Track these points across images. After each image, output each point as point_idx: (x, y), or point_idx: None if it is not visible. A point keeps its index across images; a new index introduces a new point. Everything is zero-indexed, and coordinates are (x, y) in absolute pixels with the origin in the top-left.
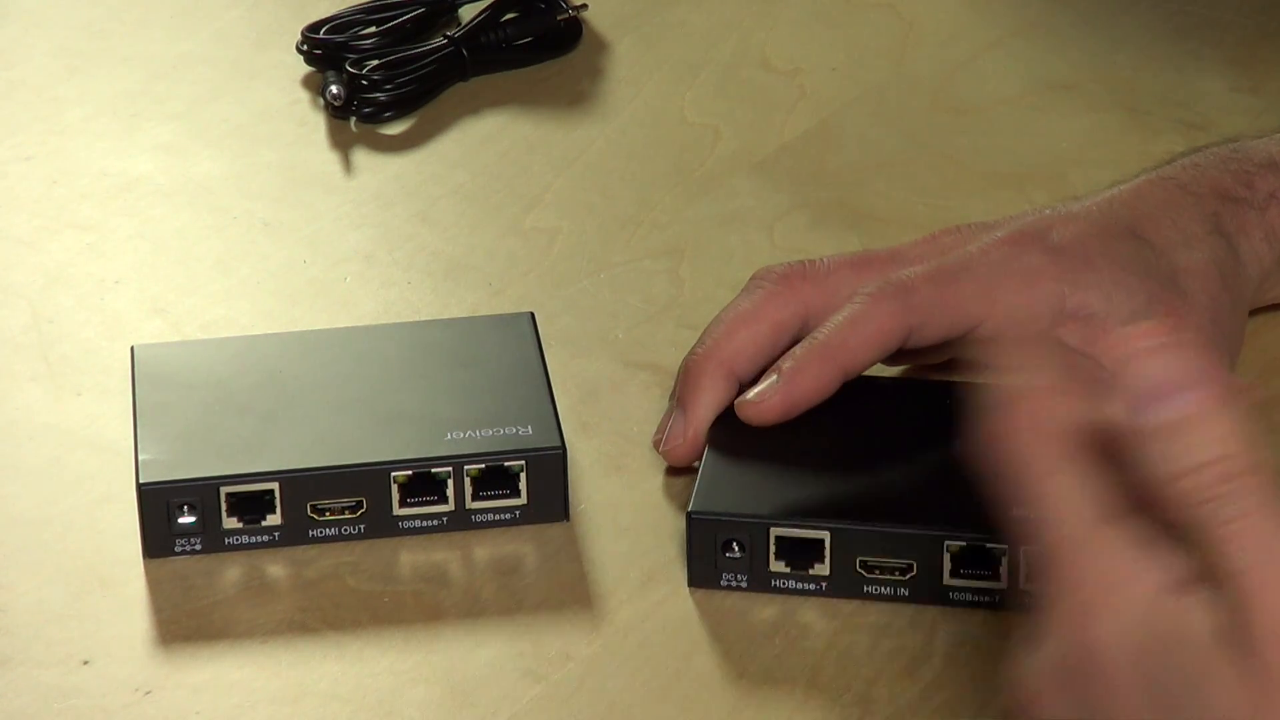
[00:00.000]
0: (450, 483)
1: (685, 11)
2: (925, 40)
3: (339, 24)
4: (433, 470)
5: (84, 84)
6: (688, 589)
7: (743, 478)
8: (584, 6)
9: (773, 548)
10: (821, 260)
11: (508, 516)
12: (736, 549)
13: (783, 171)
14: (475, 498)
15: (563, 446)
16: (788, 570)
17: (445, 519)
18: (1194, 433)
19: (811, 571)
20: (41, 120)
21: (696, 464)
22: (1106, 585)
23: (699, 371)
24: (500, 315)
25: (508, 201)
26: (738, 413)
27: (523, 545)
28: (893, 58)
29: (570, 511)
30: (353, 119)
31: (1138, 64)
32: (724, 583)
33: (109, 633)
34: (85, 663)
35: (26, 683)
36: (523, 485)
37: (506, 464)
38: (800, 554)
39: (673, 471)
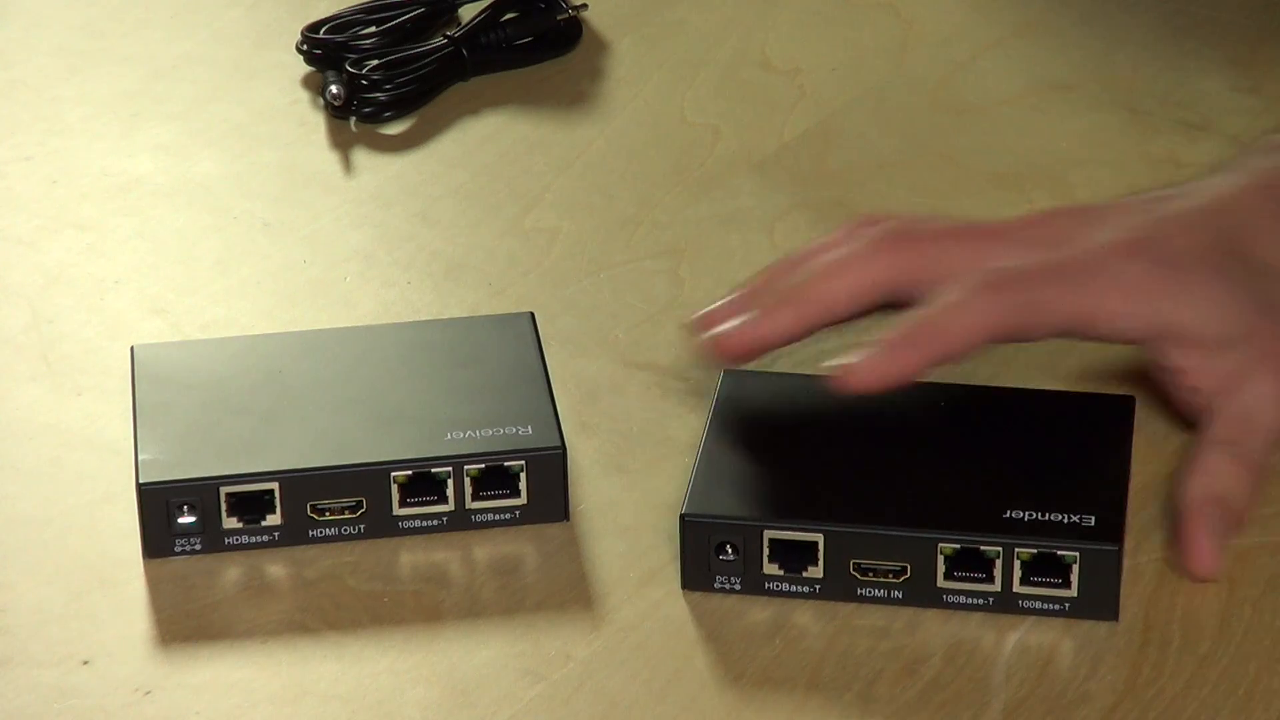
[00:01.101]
0: (450, 483)
1: (685, 11)
2: (925, 40)
3: (339, 24)
4: (433, 470)
5: (84, 84)
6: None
7: (735, 480)
8: (584, 6)
9: (766, 550)
10: (927, 225)
11: (508, 516)
12: (730, 551)
13: (783, 171)
14: (475, 498)
15: (563, 446)
16: (781, 573)
17: (445, 519)
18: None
19: (805, 574)
20: (41, 120)
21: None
22: None
23: (794, 301)
24: (500, 315)
25: (508, 201)
26: (836, 378)
27: (523, 545)
28: (893, 58)
29: (570, 511)
30: (353, 119)
31: (1138, 64)
32: (718, 585)
33: (109, 633)
34: (85, 663)
35: (26, 683)
36: (523, 485)
37: (506, 464)
38: (794, 556)
39: (672, 465)
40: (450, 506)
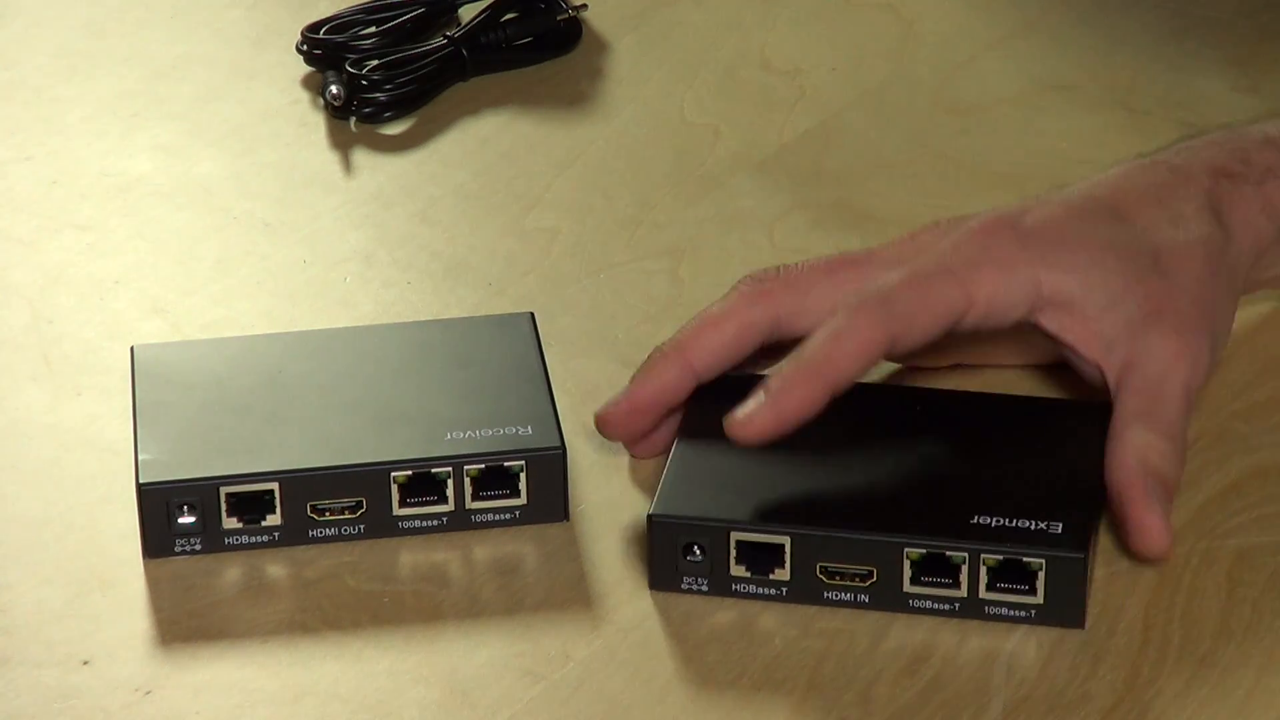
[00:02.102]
0: (450, 483)
1: (685, 11)
2: (925, 40)
3: (339, 24)
4: (433, 470)
5: (84, 84)
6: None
7: (706, 481)
8: (584, 6)
9: (733, 552)
10: (797, 265)
11: (508, 516)
12: (697, 552)
13: (783, 171)
14: (475, 498)
15: (563, 446)
16: (748, 575)
17: (445, 519)
18: None
19: (772, 577)
20: (41, 120)
21: (647, 453)
22: None
23: (656, 357)
24: (500, 315)
25: (508, 201)
26: (727, 432)
27: (523, 545)
28: (893, 58)
29: (570, 511)
30: (353, 119)
31: (1138, 64)
32: (684, 586)
33: (109, 633)
34: (85, 663)
35: (26, 683)
36: (523, 485)
37: (506, 464)
38: (761, 559)
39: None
40: (450, 506)
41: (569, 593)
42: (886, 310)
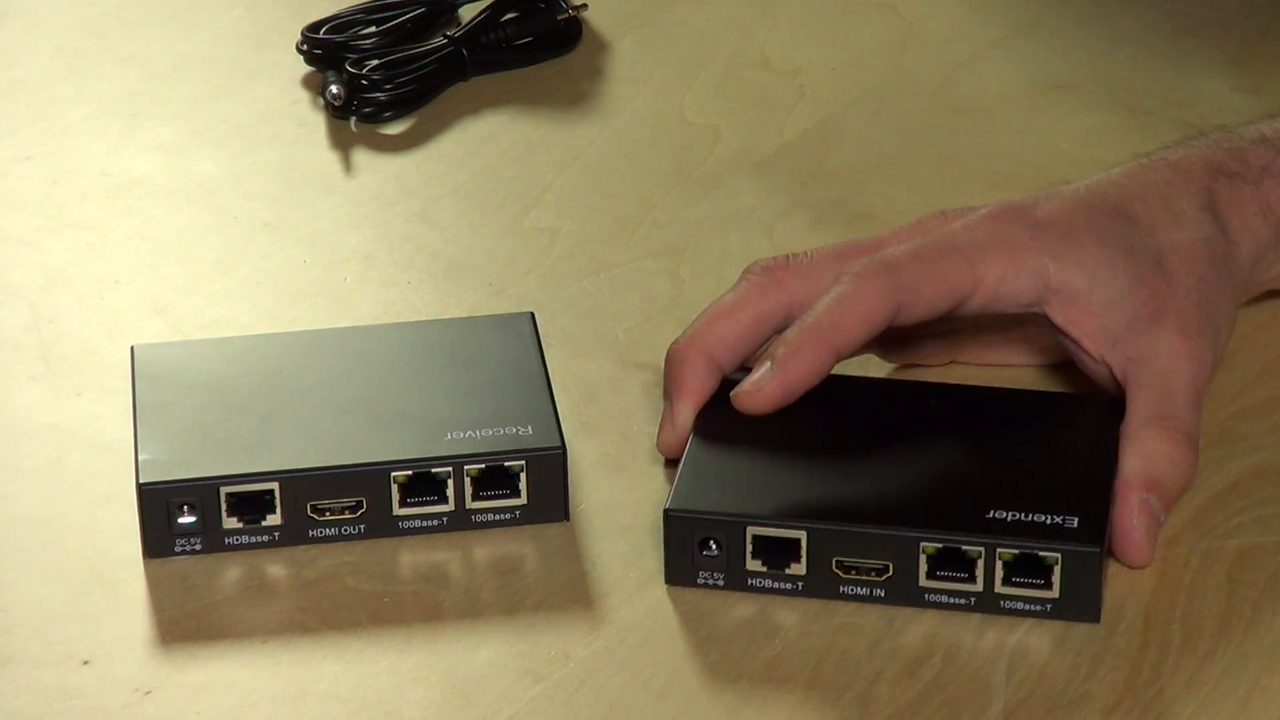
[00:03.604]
0: (450, 483)
1: (685, 11)
2: (925, 40)
3: (339, 24)
4: (433, 470)
5: (84, 84)
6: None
7: (722, 476)
8: (584, 6)
9: (749, 547)
10: (806, 252)
11: (508, 516)
12: (713, 547)
13: (783, 171)
14: (475, 498)
15: (563, 446)
16: (764, 569)
17: (445, 519)
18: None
19: (788, 571)
20: (41, 120)
21: None
22: None
23: (680, 360)
24: (500, 315)
25: (508, 201)
26: (735, 404)
27: (523, 545)
28: (893, 58)
29: (570, 511)
30: (353, 119)
31: (1138, 64)
32: (700, 580)
33: (109, 633)
34: (85, 663)
35: (26, 683)
36: (523, 485)
37: (506, 464)
38: (777, 553)
39: (671, 466)
40: (450, 506)
41: (569, 593)
42: (893, 278)
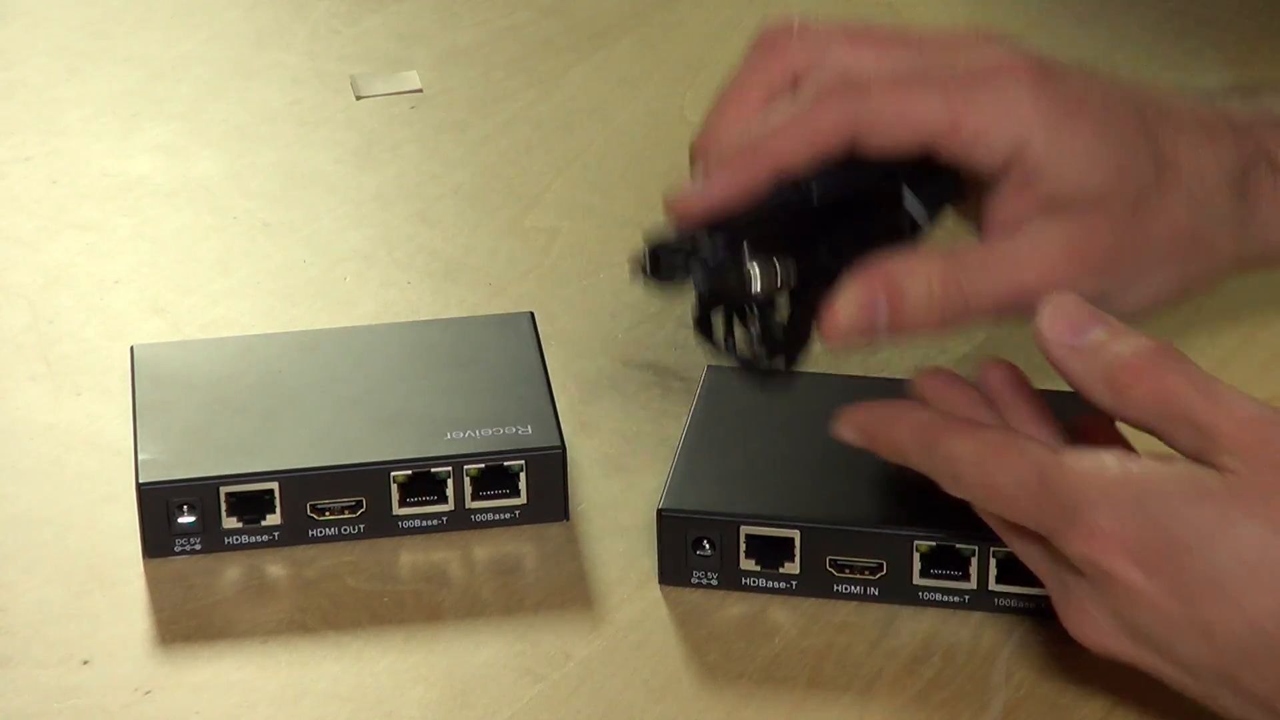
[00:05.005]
0: (450, 482)
1: (685, 11)
2: None
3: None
4: (432, 470)
5: (84, 84)
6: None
7: (714, 476)
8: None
9: (743, 546)
10: (820, 23)
11: (507, 516)
12: (707, 547)
13: None
14: (475, 497)
15: (562, 446)
16: (758, 569)
17: (445, 519)
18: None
19: (781, 570)
20: (41, 120)
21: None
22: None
23: (703, 151)
24: (500, 315)
25: (508, 201)
26: (665, 209)
27: (523, 545)
28: None
29: (570, 511)
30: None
31: (1138, 64)
32: (694, 580)
33: (109, 633)
34: (85, 663)
35: (26, 683)
36: (522, 485)
37: (506, 464)
38: (770, 553)
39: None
40: (450, 506)
41: (569, 593)
42: (856, 104)
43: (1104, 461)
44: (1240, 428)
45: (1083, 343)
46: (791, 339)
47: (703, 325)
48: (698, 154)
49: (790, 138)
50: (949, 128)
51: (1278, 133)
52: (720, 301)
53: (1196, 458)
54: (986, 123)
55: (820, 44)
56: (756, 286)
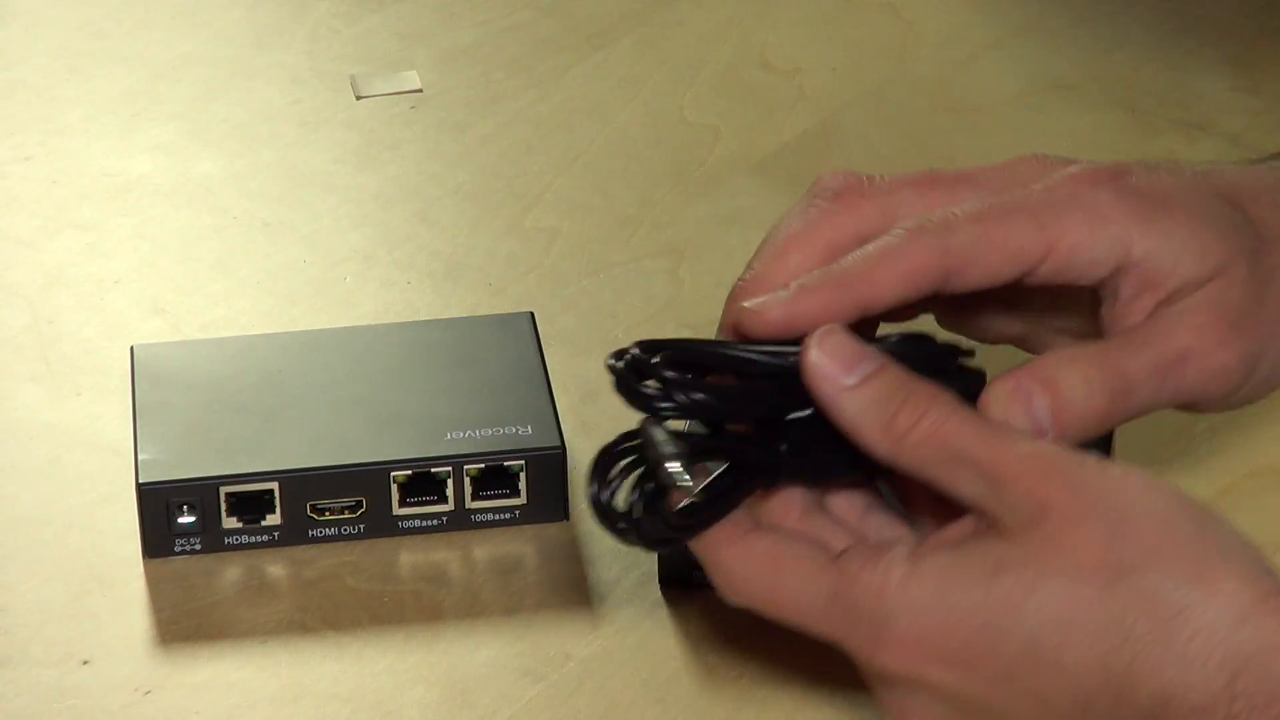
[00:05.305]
0: (450, 483)
1: (685, 11)
2: (925, 40)
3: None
4: (432, 470)
5: (84, 84)
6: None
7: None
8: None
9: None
10: (883, 177)
11: (507, 516)
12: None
13: (783, 171)
14: (475, 497)
15: (562, 446)
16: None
17: (445, 519)
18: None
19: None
20: (41, 120)
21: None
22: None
23: (738, 300)
24: (500, 315)
25: (508, 201)
26: (737, 319)
27: (522, 545)
28: (893, 58)
29: (570, 511)
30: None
31: (1137, 64)
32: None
33: (109, 633)
34: (85, 663)
35: (26, 683)
36: (522, 485)
37: (506, 464)
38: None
39: None
40: (450, 506)
41: (569, 593)
42: (945, 239)
43: (891, 565)
44: (1022, 465)
45: (854, 381)
46: (670, 530)
47: (622, 441)
48: (746, 294)
49: (884, 269)
50: (1046, 250)
51: None
52: (643, 452)
53: (981, 508)
54: (1082, 236)
55: (891, 197)
56: (668, 477)
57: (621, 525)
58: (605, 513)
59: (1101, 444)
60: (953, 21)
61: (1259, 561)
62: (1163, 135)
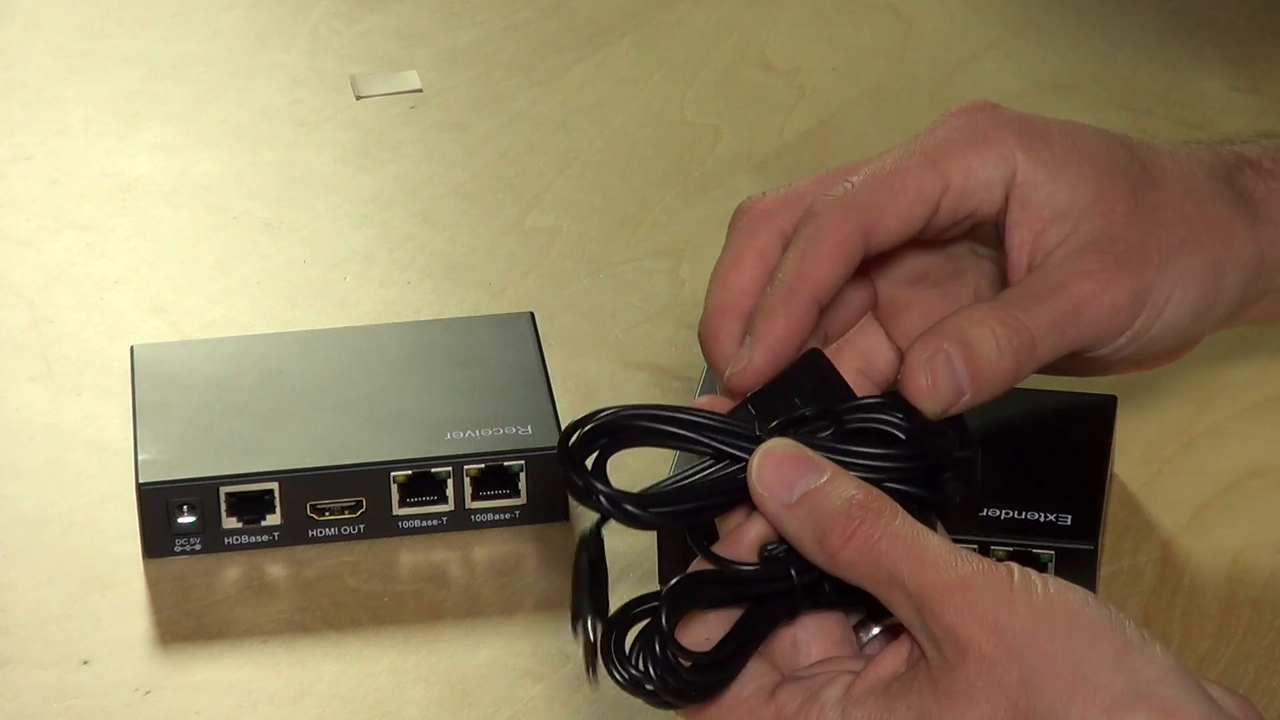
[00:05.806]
0: (450, 483)
1: (685, 11)
2: (925, 40)
3: None
4: (432, 470)
5: (84, 84)
6: None
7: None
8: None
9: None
10: (791, 183)
11: (507, 516)
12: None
13: (783, 171)
14: (475, 497)
15: None
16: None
17: (445, 519)
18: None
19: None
20: (41, 120)
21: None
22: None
23: (713, 333)
24: (500, 315)
25: (508, 201)
26: (727, 386)
27: (523, 545)
28: (893, 58)
29: (570, 511)
30: None
31: (1138, 64)
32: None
33: (109, 633)
34: (85, 663)
35: (26, 683)
36: (522, 485)
37: (506, 464)
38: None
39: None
40: (450, 506)
41: (569, 593)
42: (849, 205)
43: (824, 711)
44: (946, 596)
45: (794, 498)
46: (685, 691)
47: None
48: (714, 329)
49: (813, 260)
50: (943, 184)
51: (1251, 146)
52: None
53: (912, 632)
54: (970, 159)
55: (800, 196)
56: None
57: (640, 686)
58: (636, 685)
59: (963, 438)
60: (953, 21)
61: (1181, 688)
62: (1163, 135)
